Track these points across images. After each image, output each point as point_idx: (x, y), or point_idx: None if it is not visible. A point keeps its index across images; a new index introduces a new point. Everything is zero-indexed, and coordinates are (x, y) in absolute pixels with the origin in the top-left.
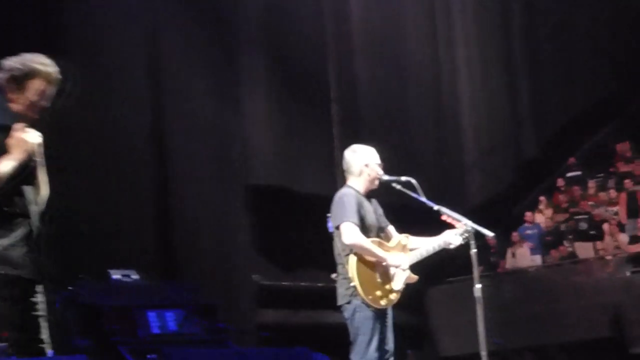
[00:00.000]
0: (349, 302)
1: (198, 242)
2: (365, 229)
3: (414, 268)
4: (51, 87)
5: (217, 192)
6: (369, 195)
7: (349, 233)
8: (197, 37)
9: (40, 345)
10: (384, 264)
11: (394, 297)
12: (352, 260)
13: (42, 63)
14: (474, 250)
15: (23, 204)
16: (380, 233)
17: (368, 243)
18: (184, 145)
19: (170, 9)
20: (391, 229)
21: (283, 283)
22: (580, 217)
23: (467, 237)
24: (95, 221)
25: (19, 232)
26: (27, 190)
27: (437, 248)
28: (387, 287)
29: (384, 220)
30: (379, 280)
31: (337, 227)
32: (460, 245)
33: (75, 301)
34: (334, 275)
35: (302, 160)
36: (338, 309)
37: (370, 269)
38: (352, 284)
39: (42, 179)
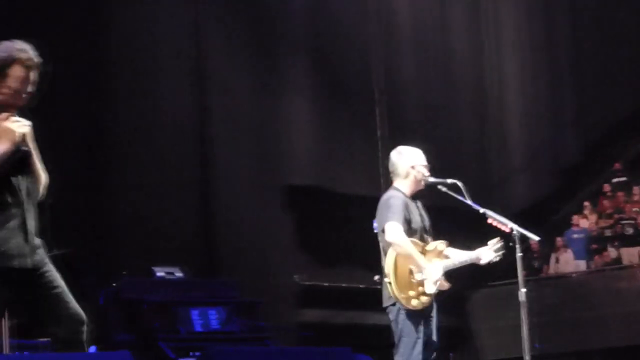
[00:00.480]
0: (394, 304)
1: (240, 241)
2: (409, 230)
3: (451, 273)
4: (33, 73)
5: (259, 191)
6: (415, 196)
7: (392, 232)
8: (241, 38)
9: (81, 339)
10: (418, 271)
11: (425, 300)
12: (391, 256)
13: (20, 49)
14: (519, 254)
15: (16, 194)
16: (424, 235)
17: (409, 246)
18: (228, 145)
19: (214, 9)
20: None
21: (324, 283)
22: (626, 222)
23: (501, 255)
24: (140, 219)
25: (12, 223)
26: (21, 180)
27: (468, 261)
28: (421, 289)
29: (428, 223)
30: (413, 280)
31: (383, 229)
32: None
33: (118, 297)
34: (377, 278)
35: (345, 161)
36: (382, 310)
37: (407, 268)
38: (386, 280)
39: (38, 166)
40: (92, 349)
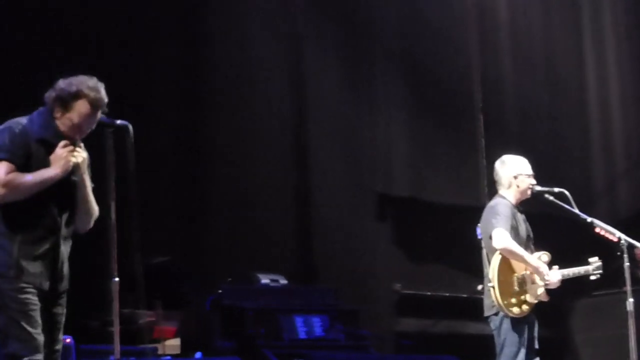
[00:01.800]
0: (496, 314)
1: (338, 250)
2: (516, 238)
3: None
4: (96, 112)
5: (356, 200)
6: (521, 206)
7: (500, 238)
8: (336, 45)
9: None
10: (525, 273)
11: (526, 308)
12: (496, 261)
13: (91, 87)
14: (626, 264)
15: (54, 220)
16: (529, 244)
17: (520, 249)
18: (324, 153)
19: (310, 18)
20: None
21: (424, 292)
22: None
23: (599, 275)
24: (239, 227)
25: (43, 247)
26: (63, 208)
27: (571, 275)
28: (522, 297)
29: (531, 234)
30: (515, 288)
31: (489, 236)
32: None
33: (222, 304)
34: (480, 287)
35: (443, 170)
36: (483, 319)
37: (510, 276)
38: (490, 285)
39: (88, 198)
40: (198, 354)
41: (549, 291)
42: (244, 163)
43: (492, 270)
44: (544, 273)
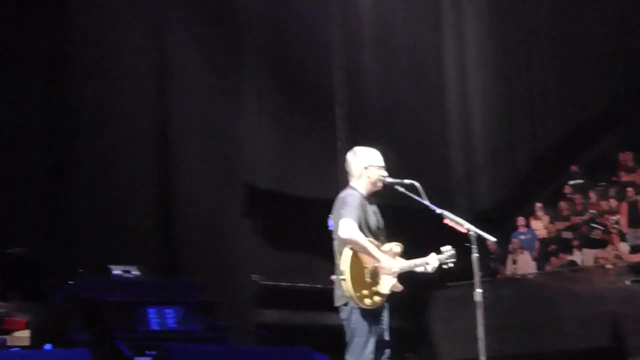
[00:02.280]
0: (346, 304)
1: (199, 241)
2: (364, 229)
3: (406, 275)
4: None
5: (219, 191)
6: (372, 197)
7: (346, 228)
8: (202, 39)
9: None
10: (377, 264)
11: (378, 299)
12: (347, 254)
13: None
14: (475, 255)
15: None
16: (379, 237)
17: (364, 240)
18: (188, 145)
19: (176, 10)
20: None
21: (283, 283)
22: (593, 225)
23: (452, 264)
24: (98, 217)
25: None
26: None
27: (419, 265)
28: (374, 288)
29: (382, 226)
30: (367, 279)
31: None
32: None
33: (75, 295)
34: (334, 277)
35: (304, 162)
36: (336, 310)
37: (361, 267)
38: (342, 277)
39: None
40: (47, 346)
41: (403, 282)
42: (106, 155)
43: (343, 261)
44: (386, 266)
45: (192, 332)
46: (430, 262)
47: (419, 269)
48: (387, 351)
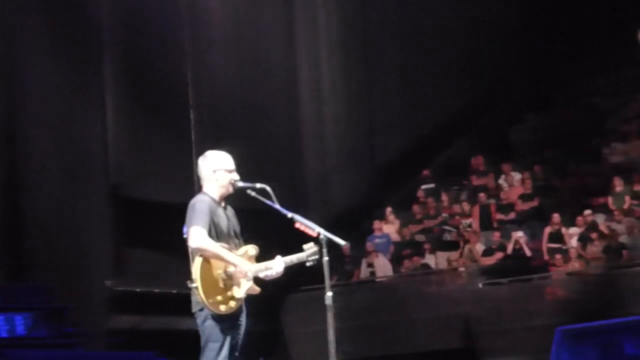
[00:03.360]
0: (202, 309)
1: (50, 244)
2: (216, 235)
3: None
4: None
5: (73, 194)
6: (226, 201)
7: (195, 237)
8: (52, 36)
9: None
10: (229, 269)
11: (234, 304)
12: (198, 261)
13: None
14: (325, 259)
15: None
16: (234, 241)
17: (215, 247)
18: (40, 146)
19: (26, 7)
20: (242, 240)
21: (136, 289)
22: (445, 227)
23: (315, 260)
24: None
25: None
26: None
27: (282, 264)
28: (229, 293)
29: (238, 229)
30: (221, 285)
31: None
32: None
33: None
34: (189, 283)
35: (161, 165)
36: (192, 315)
37: (214, 273)
38: (193, 285)
39: None
40: None
41: (260, 284)
42: None
43: (194, 269)
44: (242, 270)
45: (42, 338)
46: (274, 267)
47: (263, 274)
48: (241, 356)
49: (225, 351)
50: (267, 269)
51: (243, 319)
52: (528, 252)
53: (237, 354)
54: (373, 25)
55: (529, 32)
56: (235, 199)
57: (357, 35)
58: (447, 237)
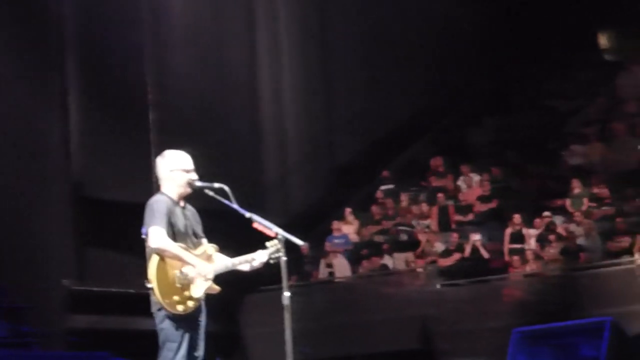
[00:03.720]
0: (160, 309)
1: (6, 243)
2: (174, 235)
3: (222, 278)
4: None
5: (32, 193)
6: (186, 201)
7: (154, 237)
8: (10, 35)
9: None
10: (185, 269)
11: (192, 304)
12: (154, 261)
13: None
14: (284, 259)
15: None
16: (192, 240)
17: (175, 247)
18: None
19: None
20: (204, 239)
21: (94, 288)
22: (401, 228)
23: (276, 258)
24: None
25: None
26: None
27: (243, 262)
28: (187, 293)
29: (198, 229)
30: (178, 285)
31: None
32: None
33: None
34: (146, 283)
35: (120, 166)
36: (151, 315)
37: (171, 273)
38: (149, 285)
39: None
40: None
41: (220, 284)
42: None
43: (150, 269)
44: (201, 271)
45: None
46: (257, 258)
47: (244, 267)
48: (200, 356)
49: (183, 351)
50: (239, 263)
51: (203, 319)
52: (485, 254)
53: (197, 354)
54: (334, 25)
55: (489, 34)
56: (194, 199)
57: (317, 35)
58: (405, 238)
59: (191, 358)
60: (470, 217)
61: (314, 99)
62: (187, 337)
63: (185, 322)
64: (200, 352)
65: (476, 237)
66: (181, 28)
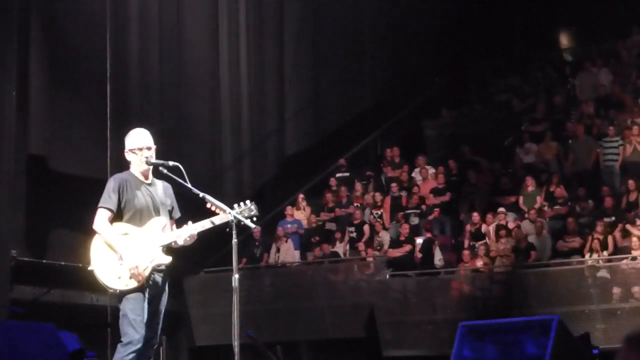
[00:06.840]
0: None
1: None
2: (125, 210)
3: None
4: None
5: None
6: (155, 177)
7: (97, 219)
8: None
9: None
10: (120, 261)
11: (140, 279)
12: (96, 241)
13: None
14: (234, 241)
15: None
16: (151, 216)
17: (110, 235)
18: None
19: None
20: (171, 212)
21: (41, 260)
22: (354, 216)
23: (251, 219)
24: None
25: None
26: None
27: (198, 229)
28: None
29: (167, 203)
30: (120, 262)
31: None
32: (224, 232)
33: None
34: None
35: (76, 140)
36: (99, 290)
37: (113, 252)
38: (89, 268)
39: None
40: None
41: (174, 258)
42: None
43: (92, 250)
44: (127, 265)
45: None
46: (182, 234)
47: (177, 243)
48: (157, 332)
49: (139, 326)
50: (178, 237)
51: (164, 297)
52: (435, 247)
53: (155, 330)
54: (290, 16)
55: (448, 29)
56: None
57: (274, 22)
58: (358, 226)
59: (149, 334)
60: (422, 209)
61: (272, 84)
62: (144, 312)
63: (142, 298)
64: (156, 327)
65: (427, 228)
66: (142, 2)
